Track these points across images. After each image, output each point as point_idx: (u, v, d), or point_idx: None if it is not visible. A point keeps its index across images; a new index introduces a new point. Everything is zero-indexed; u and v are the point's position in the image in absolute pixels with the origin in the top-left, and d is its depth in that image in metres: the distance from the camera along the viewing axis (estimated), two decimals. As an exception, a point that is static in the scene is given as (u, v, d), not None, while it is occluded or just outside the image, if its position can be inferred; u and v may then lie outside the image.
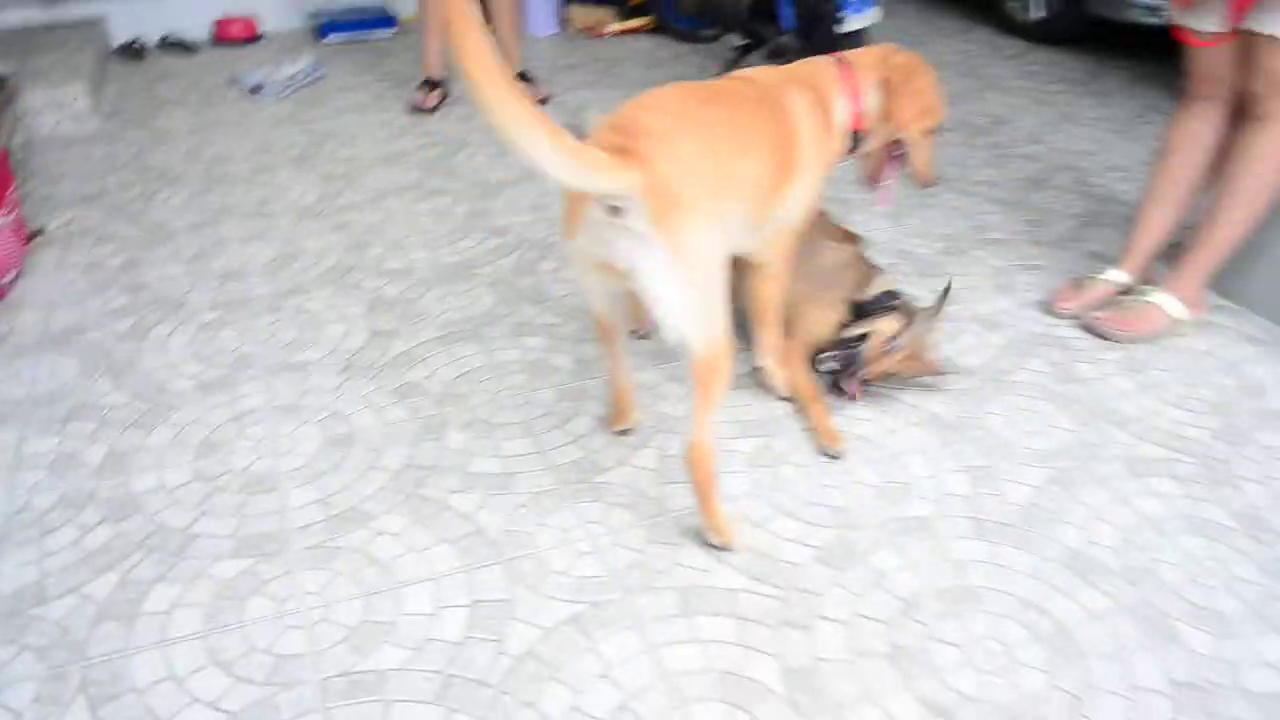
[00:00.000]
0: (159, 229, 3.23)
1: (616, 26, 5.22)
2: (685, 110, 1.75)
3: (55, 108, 4.03)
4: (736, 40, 4.30)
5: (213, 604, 1.80)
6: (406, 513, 2.00)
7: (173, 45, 5.26)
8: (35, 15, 5.12)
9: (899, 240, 3.05)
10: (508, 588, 1.82)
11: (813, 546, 1.90)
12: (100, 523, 1.99)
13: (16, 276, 2.90)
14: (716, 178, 1.70)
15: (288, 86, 4.53)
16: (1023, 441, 2.18)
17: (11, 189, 2.96)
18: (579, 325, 2.59)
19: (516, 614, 1.76)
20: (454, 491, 2.06)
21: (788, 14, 3.94)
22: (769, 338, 2.29)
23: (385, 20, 5.32)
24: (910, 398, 2.31)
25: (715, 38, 4.60)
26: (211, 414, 2.31)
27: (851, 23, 3.62)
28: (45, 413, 2.33)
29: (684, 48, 5.01)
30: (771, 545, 1.90)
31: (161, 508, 2.03)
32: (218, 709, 1.60)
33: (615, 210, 1.61)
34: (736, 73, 2.03)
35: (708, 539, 1.90)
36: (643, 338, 2.51)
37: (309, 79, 4.63)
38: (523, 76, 4.23)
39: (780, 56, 4.14)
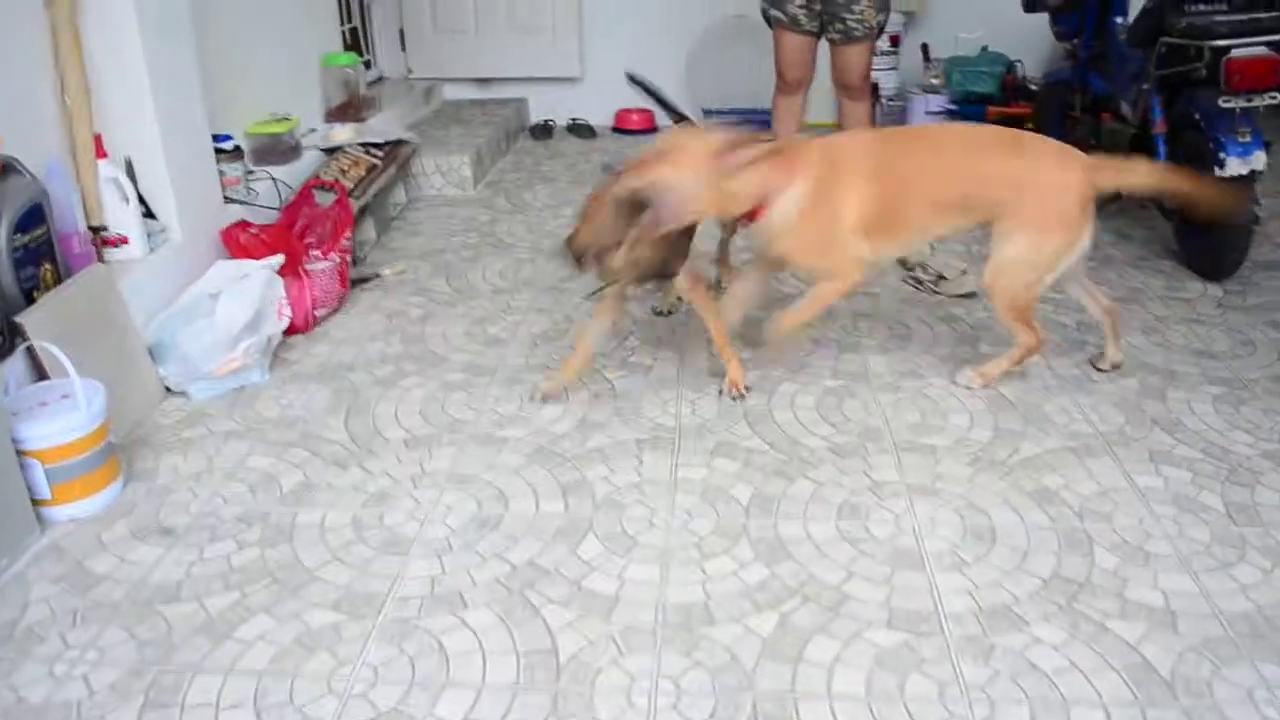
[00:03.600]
0: (467, 290, 3.49)
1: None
2: None
3: (442, 173, 4.55)
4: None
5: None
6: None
7: (578, 128, 5.74)
8: (472, 93, 5.86)
9: (1222, 432, 2.48)
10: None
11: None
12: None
13: (332, 312, 3.27)
14: None
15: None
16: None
17: (345, 236, 3.36)
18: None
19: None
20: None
21: (1161, 150, 3.41)
22: None
23: (766, 124, 5.39)
24: (1126, 630, 1.84)
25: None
26: (399, 468, 2.41)
27: (1233, 166, 3.05)
28: (276, 435, 2.57)
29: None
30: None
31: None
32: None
33: None
34: None
35: None
36: None
37: (674, 171, 4.80)
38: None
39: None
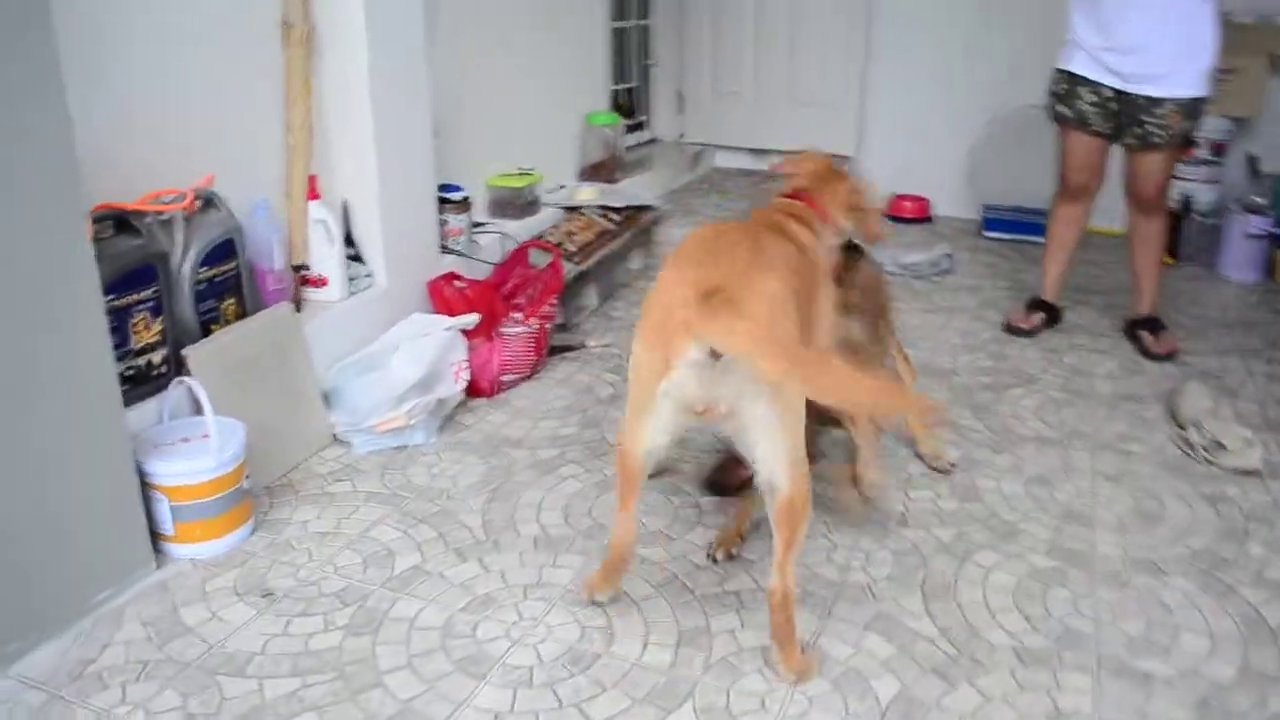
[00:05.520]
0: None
1: (1342, 293, 4.04)
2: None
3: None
4: None
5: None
6: None
7: (847, 211, 5.40)
8: (743, 162, 5.70)
9: None
10: None
11: None
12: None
13: (522, 379, 3.14)
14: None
15: (909, 270, 4.34)
16: None
17: (549, 302, 3.22)
18: None
19: None
20: None
21: None
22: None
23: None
24: None
25: None
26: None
27: None
28: (414, 506, 2.44)
29: None
30: None
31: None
32: None
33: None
34: None
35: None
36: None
37: (934, 270, 4.37)
38: (1145, 323, 3.49)
39: None
